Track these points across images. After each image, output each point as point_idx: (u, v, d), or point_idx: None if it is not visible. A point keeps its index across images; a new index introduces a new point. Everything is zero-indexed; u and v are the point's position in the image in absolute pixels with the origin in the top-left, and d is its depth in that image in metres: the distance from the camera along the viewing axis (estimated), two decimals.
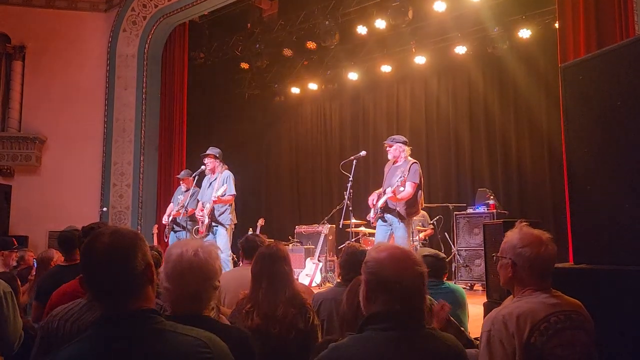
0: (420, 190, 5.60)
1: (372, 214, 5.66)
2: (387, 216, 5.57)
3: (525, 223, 2.03)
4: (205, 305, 1.82)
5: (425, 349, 1.50)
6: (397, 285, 1.51)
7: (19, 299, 3.22)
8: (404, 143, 5.73)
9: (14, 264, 4.58)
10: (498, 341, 1.80)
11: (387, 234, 5.58)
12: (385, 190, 5.55)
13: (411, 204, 5.52)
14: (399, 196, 5.34)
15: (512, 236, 2.00)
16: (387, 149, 5.75)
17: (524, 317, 1.81)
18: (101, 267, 1.39)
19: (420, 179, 5.58)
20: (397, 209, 5.48)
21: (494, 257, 2.06)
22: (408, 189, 5.39)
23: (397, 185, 5.28)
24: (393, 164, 5.74)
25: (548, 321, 1.81)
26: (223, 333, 1.79)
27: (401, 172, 5.43)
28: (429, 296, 2.59)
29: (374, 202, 5.64)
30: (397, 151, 5.68)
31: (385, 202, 5.51)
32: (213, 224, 6.38)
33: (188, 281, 1.74)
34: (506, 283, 2.02)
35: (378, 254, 1.58)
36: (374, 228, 5.94)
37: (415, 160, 5.64)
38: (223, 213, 6.39)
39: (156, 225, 8.50)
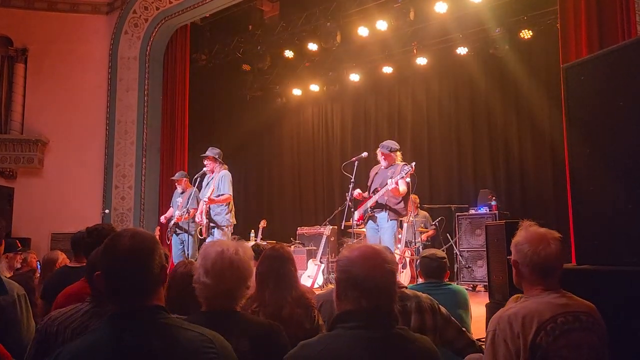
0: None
1: (356, 215, 5.72)
2: (377, 216, 5.61)
3: (530, 222, 2.02)
4: (238, 303, 1.88)
5: (394, 349, 1.48)
6: (365, 282, 1.49)
7: (35, 298, 3.24)
8: (398, 150, 5.83)
9: (18, 266, 4.59)
10: (502, 341, 1.80)
11: (377, 237, 5.61)
12: (375, 189, 5.61)
13: (404, 202, 5.61)
14: (401, 189, 5.43)
15: (517, 235, 2.01)
16: (382, 156, 5.79)
17: (530, 316, 1.80)
18: (122, 268, 1.44)
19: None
20: (389, 205, 5.54)
21: (508, 259, 2.07)
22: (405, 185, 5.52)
23: (401, 179, 5.38)
24: (382, 168, 5.81)
25: (555, 321, 1.80)
26: (257, 326, 1.85)
27: (392, 173, 5.50)
28: (428, 295, 2.60)
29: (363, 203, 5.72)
30: (391, 158, 5.77)
31: (376, 200, 5.58)
32: (211, 224, 6.33)
33: (228, 278, 1.81)
34: (517, 283, 2.02)
35: (350, 253, 1.58)
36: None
37: (405, 162, 5.68)
38: (219, 213, 6.30)
39: (158, 227, 8.50)
